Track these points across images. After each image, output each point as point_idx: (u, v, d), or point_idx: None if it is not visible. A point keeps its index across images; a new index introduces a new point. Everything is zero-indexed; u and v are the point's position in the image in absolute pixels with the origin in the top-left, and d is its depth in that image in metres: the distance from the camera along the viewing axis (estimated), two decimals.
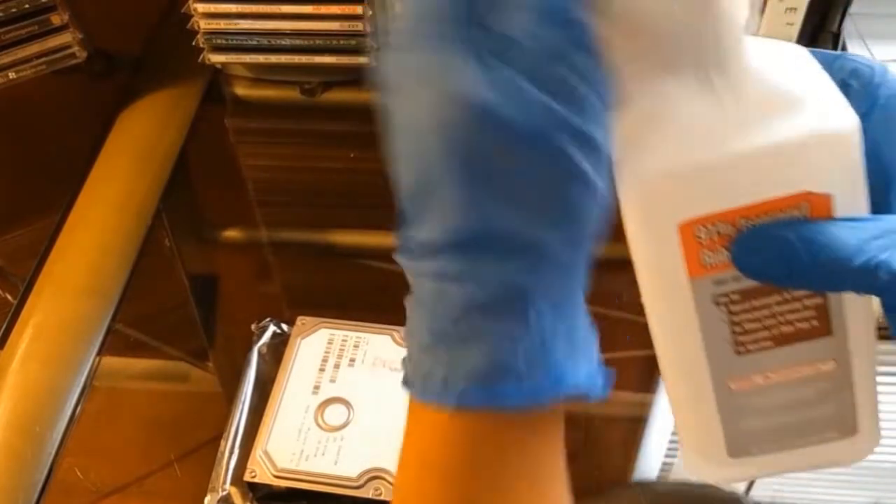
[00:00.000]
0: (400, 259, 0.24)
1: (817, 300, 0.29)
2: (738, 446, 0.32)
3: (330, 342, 0.58)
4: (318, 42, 0.77)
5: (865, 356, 0.31)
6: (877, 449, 0.33)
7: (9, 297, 0.66)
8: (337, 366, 0.57)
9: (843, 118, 0.26)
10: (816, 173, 0.26)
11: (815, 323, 0.30)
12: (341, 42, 0.77)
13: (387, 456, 0.52)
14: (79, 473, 0.56)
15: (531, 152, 0.22)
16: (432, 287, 0.23)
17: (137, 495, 0.55)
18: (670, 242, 0.28)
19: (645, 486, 0.54)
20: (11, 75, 0.75)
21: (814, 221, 0.26)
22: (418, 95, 0.22)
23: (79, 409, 0.59)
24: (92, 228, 0.70)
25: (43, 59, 0.76)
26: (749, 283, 0.27)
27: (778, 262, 0.25)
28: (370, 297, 0.67)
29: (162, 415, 0.60)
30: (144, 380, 0.63)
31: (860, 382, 0.31)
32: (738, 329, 0.30)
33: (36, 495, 0.54)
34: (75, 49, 0.78)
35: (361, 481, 0.51)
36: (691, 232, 0.27)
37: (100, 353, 0.62)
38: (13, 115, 0.81)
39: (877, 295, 0.26)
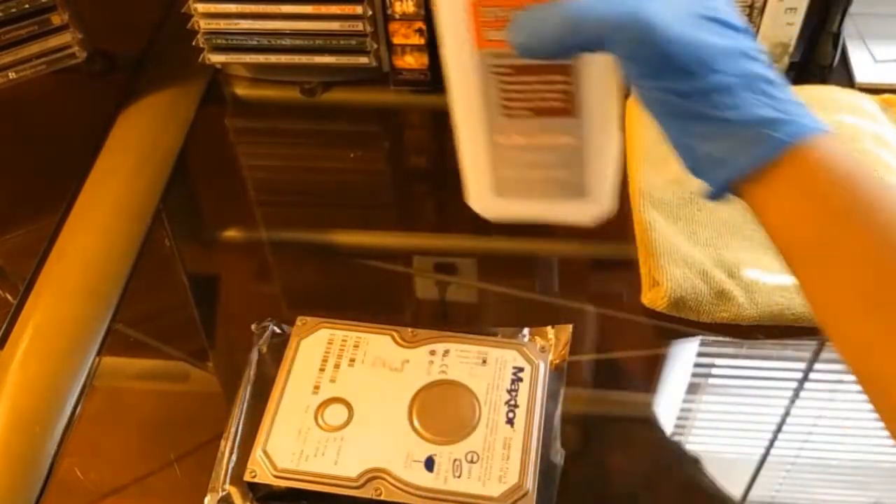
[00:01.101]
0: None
1: (566, 87, 0.38)
2: (501, 188, 0.44)
3: (330, 342, 0.58)
4: (318, 42, 0.77)
5: (603, 141, 0.40)
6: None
7: (9, 297, 0.66)
8: (337, 366, 0.57)
9: None
10: None
11: (563, 104, 0.39)
12: (341, 42, 0.77)
13: (387, 456, 0.52)
14: (79, 473, 0.56)
15: None
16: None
17: (137, 495, 0.55)
18: (463, 18, 0.37)
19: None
20: (11, 75, 0.75)
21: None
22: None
23: (79, 408, 0.59)
24: (92, 228, 0.70)
25: (43, 59, 0.76)
26: (519, 61, 0.37)
27: (533, 36, 0.33)
28: (370, 297, 0.67)
29: (162, 415, 0.60)
30: (144, 380, 0.63)
31: (595, 158, 0.41)
32: (506, 96, 0.39)
33: (36, 495, 0.54)
34: (75, 49, 0.78)
35: (361, 481, 0.51)
36: (478, 11, 0.36)
37: (100, 353, 0.62)
38: (13, 115, 0.81)
39: (601, 49, 0.34)
